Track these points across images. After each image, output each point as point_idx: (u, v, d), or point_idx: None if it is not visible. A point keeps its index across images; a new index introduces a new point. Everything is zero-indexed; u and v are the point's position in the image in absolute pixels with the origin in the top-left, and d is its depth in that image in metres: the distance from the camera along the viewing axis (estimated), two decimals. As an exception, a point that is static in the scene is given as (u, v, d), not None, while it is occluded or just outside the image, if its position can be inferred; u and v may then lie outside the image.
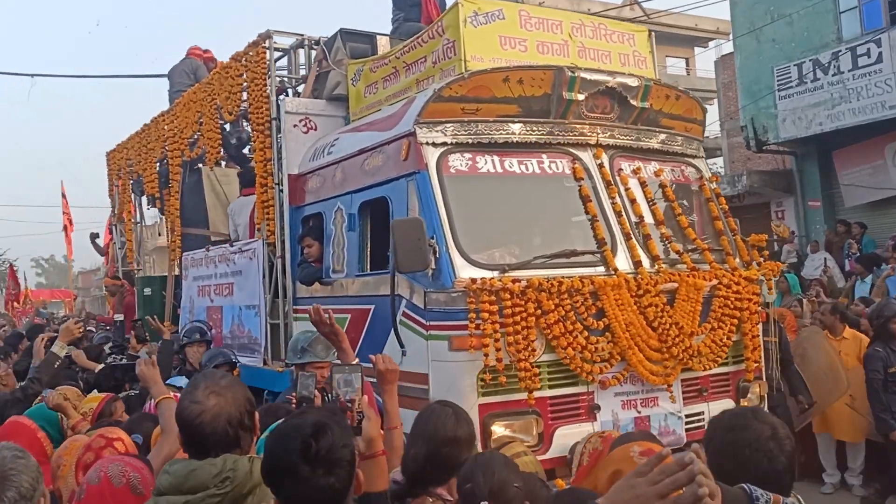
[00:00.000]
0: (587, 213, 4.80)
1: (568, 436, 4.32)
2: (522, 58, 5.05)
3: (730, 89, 17.86)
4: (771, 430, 2.28)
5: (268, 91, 6.42)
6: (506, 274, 4.35)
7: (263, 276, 6.40)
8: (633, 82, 5.07)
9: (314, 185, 5.89)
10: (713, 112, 16.70)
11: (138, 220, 10.42)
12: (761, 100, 15.02)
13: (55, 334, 5.49)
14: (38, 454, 3.60)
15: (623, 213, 4.88)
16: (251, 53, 6.70)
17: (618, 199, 4.92)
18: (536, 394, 4.28)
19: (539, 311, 4.28)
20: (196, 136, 7.97)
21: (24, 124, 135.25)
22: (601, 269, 4.62)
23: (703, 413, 4.77)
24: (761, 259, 5.38)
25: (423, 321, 4.45)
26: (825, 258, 12.50)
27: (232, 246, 7.10)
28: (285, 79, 6.95)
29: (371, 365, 3.02)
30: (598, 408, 4.47)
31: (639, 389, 4.61)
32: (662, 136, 5.37)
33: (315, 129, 6.17)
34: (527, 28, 5.18)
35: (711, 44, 28.47)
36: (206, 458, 2.18)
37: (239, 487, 2.14)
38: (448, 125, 4.67)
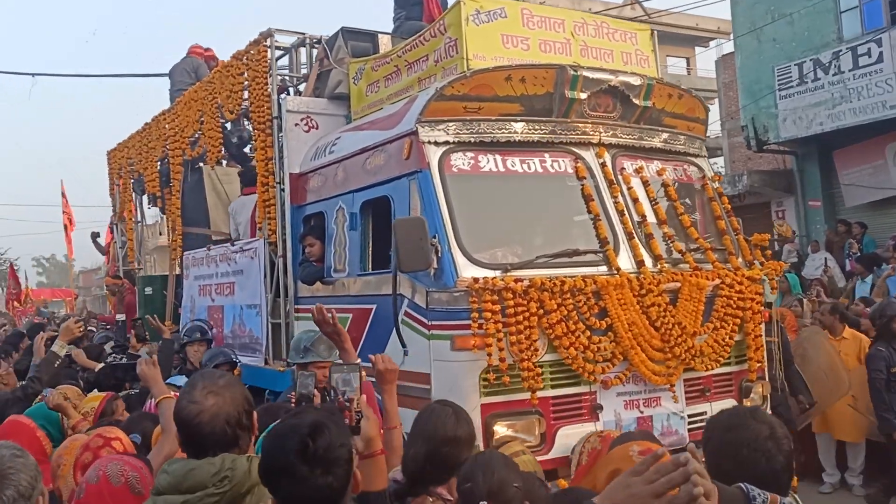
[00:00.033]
0: (589, 212, 4.79)
1: (570, 436, 4.31)
2: (525, 56, 5.04)
3: (730, 89, 17.86)
4: (769, 429, 2.28)
5: (269, 90, 6.40)
6: (508, 273, 4.33)
7: (265, 276, 6.39)
8: (635, 81, 5.06)
9: (316, 184, 5.87)
10: (714, 112, 16.67)
11: (139, 219, 10.41)
12: (762, 99, 15.01)
13: (55, 333, 5.48)
14: (38, 453, 3.59)
15: (625, 213, 4.87)
16: (252, 52, 6.69)
17: (620, 199, 4.91)
18: (539, 394, 4.27)
19: (541, 311, 4.26)
20: (197, 135, 7.97)
21: (25, 124, 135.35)
22: (604, 268, 4.61)
23: (705, 413, 4.75)
24: (764, 259, 5.37)
25: (425, 321, 4.44)
26: (825, 258, 12.48)
27: (233, 245, 7.09)
28: (287, 77, 6.94)
29: (371, 364, 3.02)
30: (601, 408, 4.46)
31: (641, 389, 4.60)
32: (665, 135, 5.36)
33: (316, 128, 6.16)
34: (529, 26, 5.16)
35: (712, 43, 28.46)
36: (204, 457, 2.18)
37: (237, 487, 2.14)
38: (450, 124, 4.65)
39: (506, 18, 5.06)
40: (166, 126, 8.65)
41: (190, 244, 8.35)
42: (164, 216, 9.54)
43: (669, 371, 4.59)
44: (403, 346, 4.51)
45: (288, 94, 6.79)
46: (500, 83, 4.68)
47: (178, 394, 2.99)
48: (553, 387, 4.36)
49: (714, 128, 18.71)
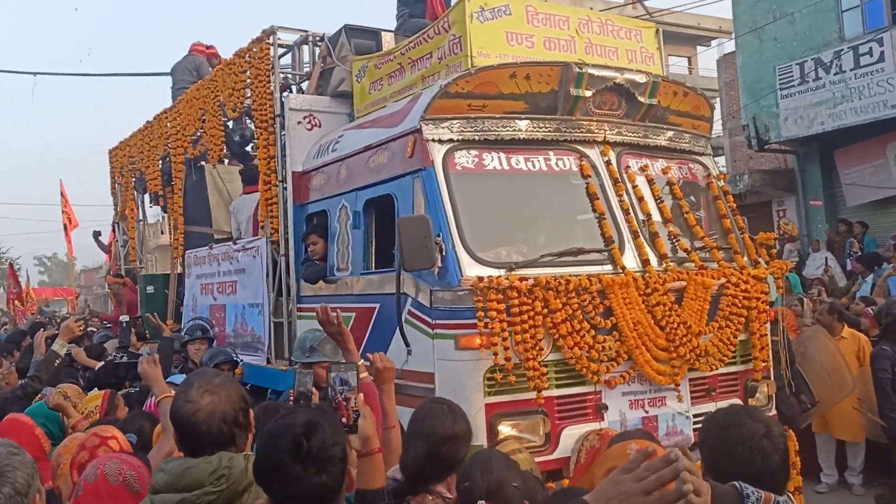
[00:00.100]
0: (594, 210, 4.76)
1: (575, 436, 4.30)
2: (529, 54, 5.02)
3: (732, 88, 17.84)
4: (765, 427, 2.29)
5: (271, 88, 6.37)
6: (513, 272, 4.31)
7: (267, 275, 6.36)
8: (640, 79, 5.04)
9: (318, 183, 5.85)
10: (715, 111, 16.66)
11: (141, 217, 10.38)
12: (763, 99, 15.01)
13: (56, 332, 5.46)
14: (36, 451, 3.59)
15: (630, 211, 4.84)
16: (255, 50, 6.66)
17: (625, 197, 4.88)
18: (543, 393, 4.24)
19: (546, 310, 4.24)
20: (199, 134, 7.94)
21: (26, 123, 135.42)
22: (609, 267, 4.59)
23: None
24: (769, 258, 5.34)
25: (429, 320, 4.41)
26: (826, 257, 12.47)
27: (235, 244, 7.06)
28: (289, 75, 6.90)
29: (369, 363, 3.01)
30: (606, 407, 4.44)
31: (646, 389, 4.58)
32: (670, 133, 5.33)
33: (319, 126, 6.13)
34: (533, 24, 5.14)
35: (713, 43, 28.47)
36: (201, 456, 2.18)
37: (235, 485, 2.14)
38: (454, 122, 4.63)
39: (510, 15, 5.04)
40: (168, 124, 8.63)
41: (192, 243, 8.33)
42: (166, 215, 9.52)
43: (674, 371, 4.57)
44: (407, 345, 4.49)
45: (290, 91, 6.75)
46: (505, 80, 4.66)
47: (178, 393, 2.99)
48: (558, 386, 4.33)
49: (715, 127, 18.62)
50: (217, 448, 2.18)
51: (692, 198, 5.39)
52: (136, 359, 4.42)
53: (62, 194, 20.74)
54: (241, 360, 6.15)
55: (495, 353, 4.11)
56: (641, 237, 4.78)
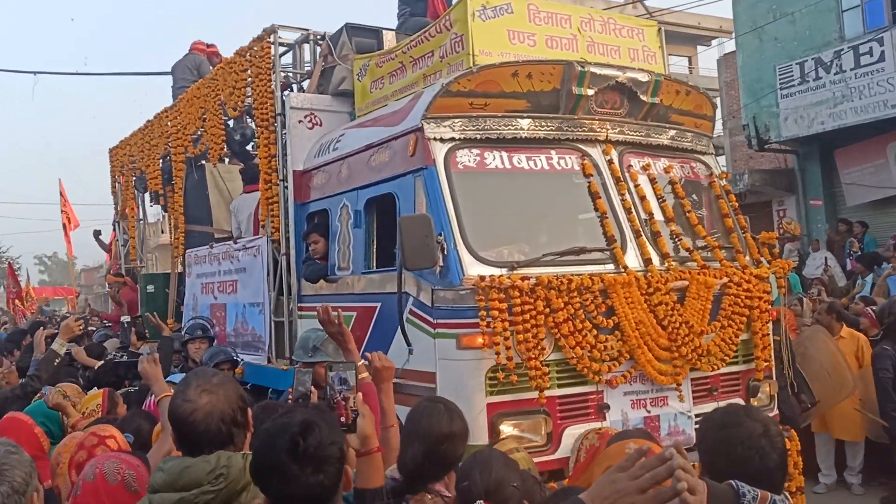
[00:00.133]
0: (596, 209, 4.75)
1: (577, 436, 4.28)
2: (531, 52, 5.01)
3: (732, 88, 17.81)
4: (763, 427, 2.29)
5: (272, 86, 6.36)
6: (514, 271, 4.30)
7: (268, 274, 6.35)
8: (642, 77, 5.03)
9: (319, 182, 5.83)
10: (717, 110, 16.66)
11: (141, 216, 10.37)
12: (763, 98, 14.99)
13: (56, 331, 5.44)
14: (35, 450, 3.58)
15: (633, 210, 4.83)
16: (255, 48, 6.65)
17: (627, 196, 4.87)
18: (545, 393, 4.23)
19: (548, 310, 4.23)
20: (199, 133, 7.93)
21: (26, 122, 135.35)
22: (611, 266, 4.58)
23: (713, 412, 4.72)
24: (771, 257, 5.33)
25: (431, 319, 4.40)
26: (826, 257, 12.46)
27: (235, 243, 7.05)
28: (290, 74, 6.89)
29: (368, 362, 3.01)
30: (608, 407, 4.43)
31: (648, 389, 4.57)
32: (672, 133, 5.32)
33: (320, 125, 6.12)
34: (535, 22, 5.13)
35: (714, 42, 28.44)
36: (199, 455, 2.18)
37: (233, 484, 2.14)
38: (456, 120, 4.62)
39: (512, 14, 5.02)
40: (168, 123, 8.61)
41: (192, 242, 8.32)
42: (167, 214, 9.51)
43: (676, 370, 4.56)
44: (408, 344, 4.48)
45: (291, 90, 6.74)
46: (507, 79, 4.65)
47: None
48: (560, 386, 4.33)
49: (716, 127, 18.68)
50: (215, 447, 2.18)
51: (694, 197, 5.38)
52: (136, 358, 4.41)
53: (61, 194, 20.72)
54: (242, 360, 6.14)
55: (497, 353, 4.10)
56: (643, 236, 4.77)
